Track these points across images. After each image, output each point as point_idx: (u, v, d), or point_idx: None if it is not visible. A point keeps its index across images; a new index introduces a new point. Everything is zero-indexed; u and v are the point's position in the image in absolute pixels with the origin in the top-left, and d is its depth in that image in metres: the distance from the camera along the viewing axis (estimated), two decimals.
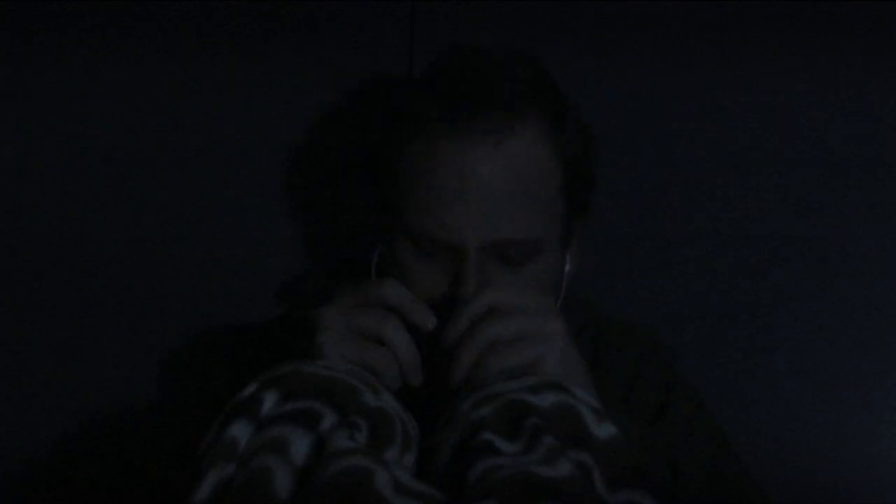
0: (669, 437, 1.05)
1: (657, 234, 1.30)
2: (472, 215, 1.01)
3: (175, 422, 1.21)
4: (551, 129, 1.05)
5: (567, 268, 1.11)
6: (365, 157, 1.16)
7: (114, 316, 1.31)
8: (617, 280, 1.30)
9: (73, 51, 1.33)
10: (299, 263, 1.32)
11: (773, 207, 1.29)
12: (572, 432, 0.84)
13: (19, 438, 1.30)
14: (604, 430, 0.84)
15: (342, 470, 0.78)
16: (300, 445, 0.82)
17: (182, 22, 1.33)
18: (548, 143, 1.05)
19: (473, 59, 1.07)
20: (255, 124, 1.32)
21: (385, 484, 0.79)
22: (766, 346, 1.28)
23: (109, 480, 1.26)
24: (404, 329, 0.96)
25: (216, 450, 0.82)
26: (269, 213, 1.32)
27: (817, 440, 1.26)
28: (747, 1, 1.30)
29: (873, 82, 1.29)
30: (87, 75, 1.33)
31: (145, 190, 1.32)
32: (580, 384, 0.91)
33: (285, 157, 1.32)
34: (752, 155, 1.30)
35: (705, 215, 1.29)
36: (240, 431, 0.83)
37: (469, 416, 0.86)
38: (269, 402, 0.86)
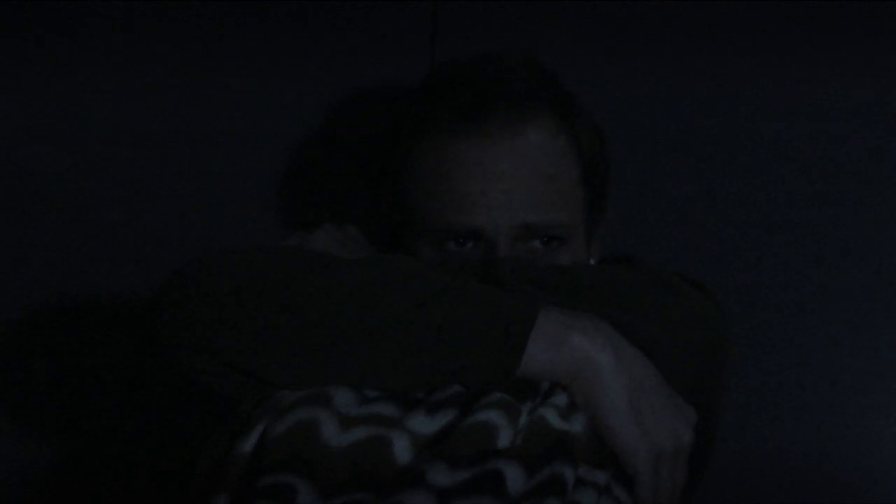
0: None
1: (657, 232, 1.30)
2: (499, 207, 1.03)
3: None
4: (564, 123, 1.07)
5: (591, 262, 1.12)
6: (374, 163, 1.17)
7: (114, 314, 1.31)
8: None
9: (74, 51, 1.33)
10: None
11: (773, 207, 1.29)
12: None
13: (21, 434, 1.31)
14: (573, 425, 0.86)
15: (290, 427, 0.82)
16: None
17: (193, 19, 1.34)
18: (563, 135, 1.07)
19: (478, 62, 1.09)
20: (273, 123, 1.33)
21: (331, 433, 0.82)
22: (765, 347, 1.28)
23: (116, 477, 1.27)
24: None
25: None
26: (282, 214, 1.32)
27: (817, 440, 1.27)
28: (747, 1, 1.30)
29: (873, 82, 1.29)
30: (105, 73, 1.33)
31: (154, 189, 1.33)
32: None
33: (303, 156, 1.33)
34: (751, 155, 1.30)
35: (704, 215, 1.30)
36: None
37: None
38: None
